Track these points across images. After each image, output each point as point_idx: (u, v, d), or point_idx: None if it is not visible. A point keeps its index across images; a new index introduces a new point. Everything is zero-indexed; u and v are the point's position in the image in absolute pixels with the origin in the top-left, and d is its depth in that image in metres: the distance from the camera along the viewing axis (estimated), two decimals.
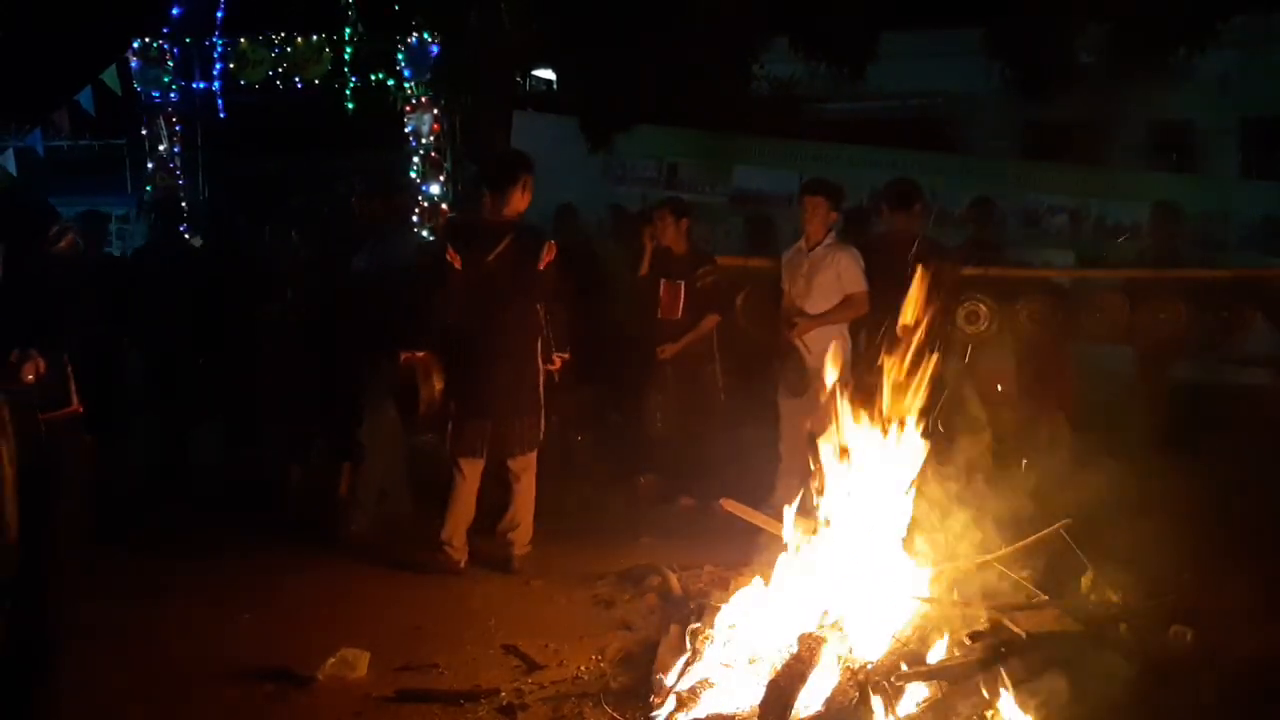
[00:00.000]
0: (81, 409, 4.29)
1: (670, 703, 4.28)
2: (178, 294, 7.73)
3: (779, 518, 5.31)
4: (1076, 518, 4.95)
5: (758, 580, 4.91)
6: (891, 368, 4.81)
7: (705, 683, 4.34)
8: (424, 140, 12.37)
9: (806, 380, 6.78)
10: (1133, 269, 8.44)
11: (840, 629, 4.23)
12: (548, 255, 6.16)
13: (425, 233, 11.63)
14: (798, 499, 4.87)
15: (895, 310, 6.63)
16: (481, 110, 11.97)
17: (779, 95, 11.93)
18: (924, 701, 4.03)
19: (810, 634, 4.13)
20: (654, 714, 4.28)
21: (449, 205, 12.18)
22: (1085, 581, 4.96)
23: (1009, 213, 10.20)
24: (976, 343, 7.46)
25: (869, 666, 4.11)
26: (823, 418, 5.47)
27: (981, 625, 4.38)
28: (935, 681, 4.09)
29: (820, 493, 4.91)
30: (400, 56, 12.35)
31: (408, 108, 12.44)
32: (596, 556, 6.41)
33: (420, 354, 6.14)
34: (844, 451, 4.80)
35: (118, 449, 7.27)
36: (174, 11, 12.88)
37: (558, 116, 11.55)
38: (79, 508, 4.30)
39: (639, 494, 7.76)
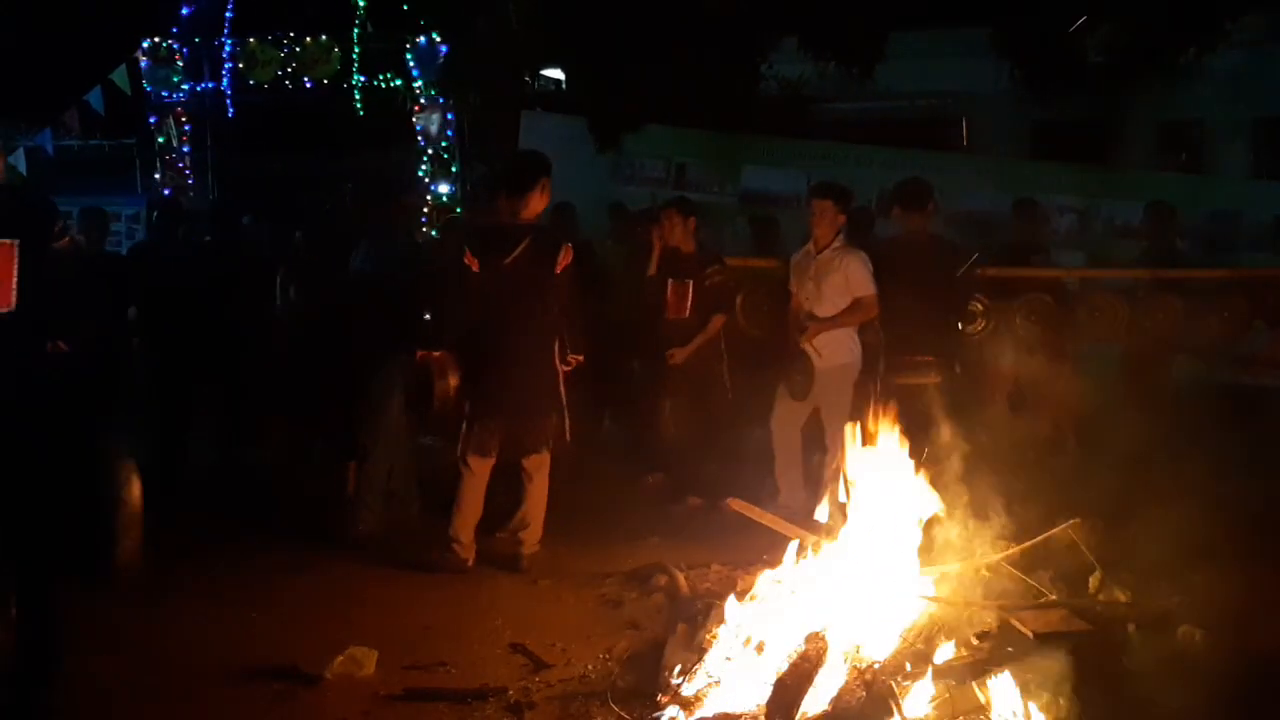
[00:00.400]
0: None
1: (677, 702, 4.28)
2: (177, 292, 7.72)
3: (785, 517, 5.34)
4: (1082, 518, 4.96)
5: (764, 579, 4.92)
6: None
7: (712, 682, 4.35)
8: (432, 140, 12.39)
9: (811, 384, 6.79)
10: (1131, 269, 8.47)
11: (847, 628, 4.24)
12: (564, 258, 6.17)
13: (433, 233, 11.66)
14: (803, 500, 4.91)
15: (911, 314, 6.69)
16: (490, 110, 11.99)
17: (787, 95, 11.92)
18: (931, 701, 4.03)
19: (817, 633, 4.14)
20: (661, 713, 4.28)
21: (457, 205, 12.20)
22: (1093, 582, 4.97)
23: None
24: (974, 342, 7.47)
25: (876, 666, 4.12)
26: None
27: (989, 625, 4.39)
28: (942, 681, 4.09)
29: (829, 494, 4.92)
30: (409, 56, 12.37)
31: (416, 107, 12.46)
32: (604, 556, 6.41)
33: (436, 353, 6.17)
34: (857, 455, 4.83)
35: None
36: (184, 11, 12.92)
37: (566, 116, 11.56)
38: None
39: (647, 493, 7.77)
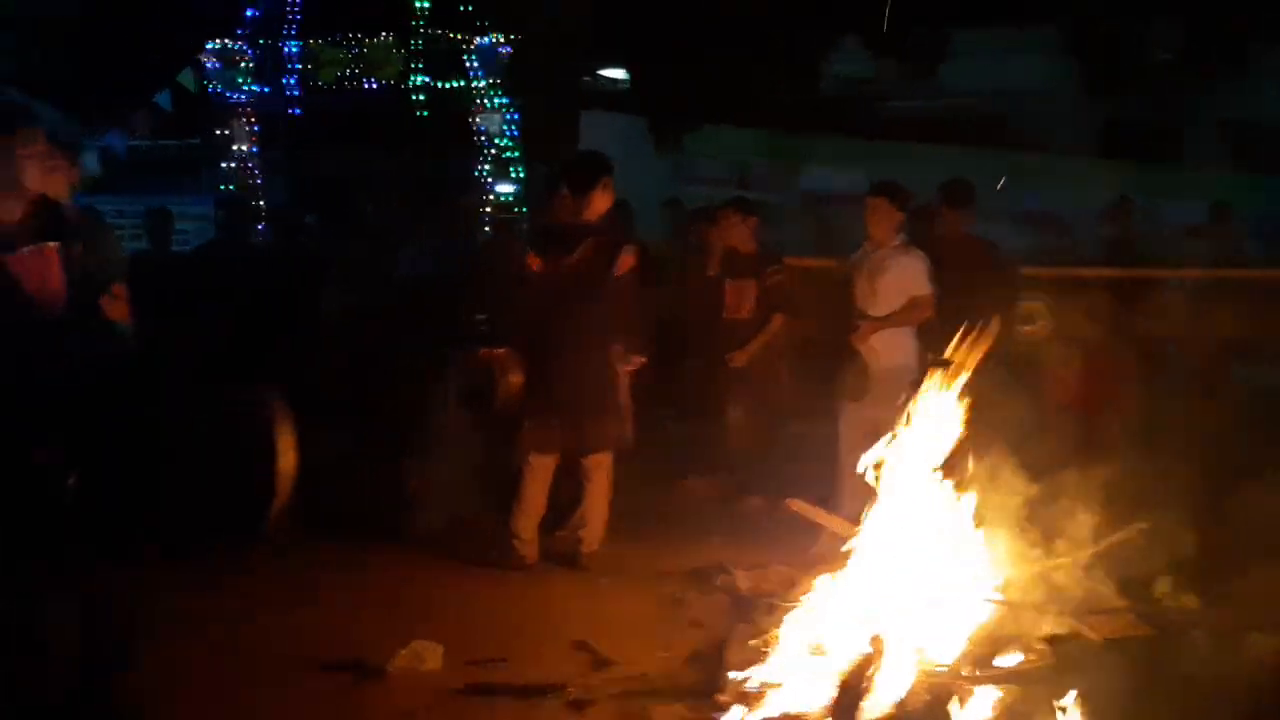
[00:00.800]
0: None
1: (739, 701, 4.28)
2: (237, 291, 7.79)
3: (845, 519, 5.32)
4: (1150, 522, 4.90)
5: (827, 579, 4.90)
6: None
7: (774, 682, 4.34)
8: (493, 140, 12.45)
9: (868, 383, 6.74)
10: (1193, 269, 8.35)
11: (911, 631, 4.22)
12: (626, 261, 6.19)
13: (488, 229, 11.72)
14: (868, 500, 4.88)
15: (958, 313, 6.62)
16: (551, 110, 12.04)
17: (849, 94, 11.88)
18: (996, 705, 4.01)
19: (880, 635, 4.12)
20: (722, 712, 4.28)
21: (519, 206, 12.26)
22: (1161, 587, 4.91)
23: (1083, 213, 10.07)
24: (1034, 344, 7.40)
25: (940, 669, 4.09)
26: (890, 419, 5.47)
27: (1055, 630, 4.35)
28: (1007, 686, 4.06)
29: (890, 494, 4.89)
30: (471, 57, 12.43)
31: (477, 108, 12.53)
32: (666, 555, 6.41)
33: (499, 349, 6.22)
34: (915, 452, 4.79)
35: None
36: (249, 13, 13.08)
37: (627, 116, 11.60)
38: None
39: (707, 493, 7.76)
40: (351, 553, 6.48)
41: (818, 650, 4.41)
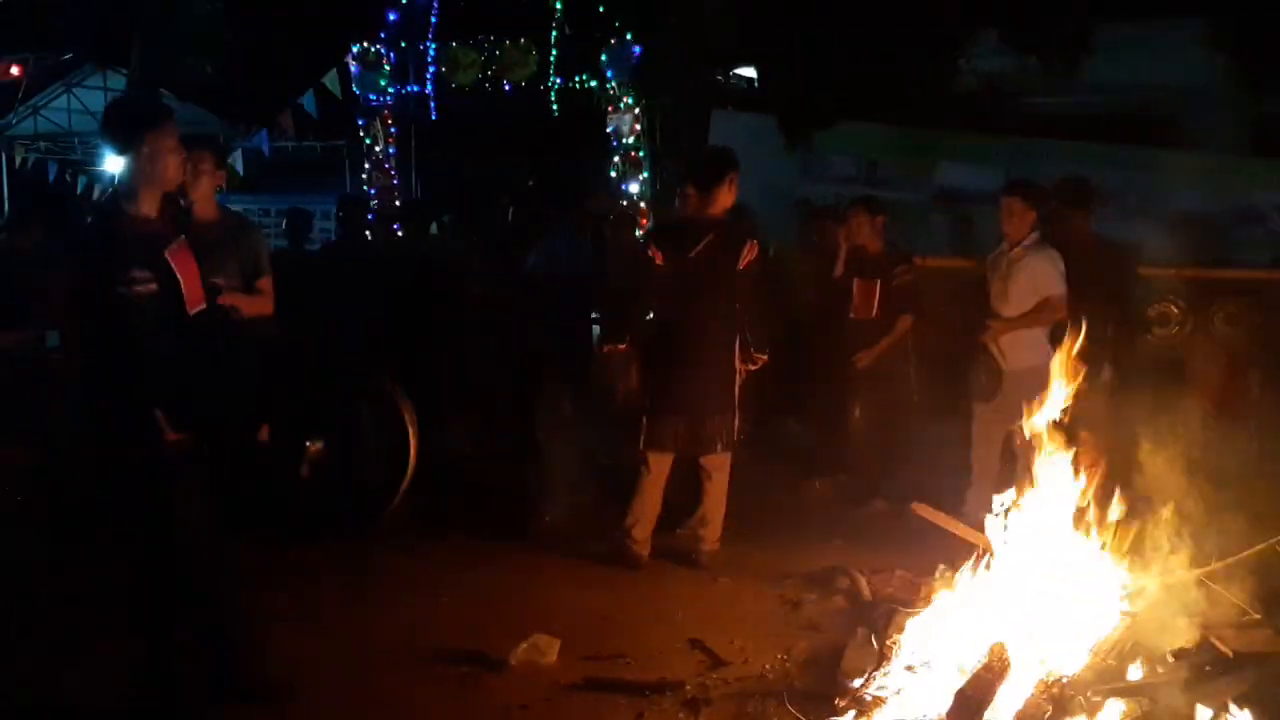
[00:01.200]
0: None
1: (855, 707, 4.24)
2: (365, 290, 7.88)
3: (972, 525, 5.20)
4: None
5: (949, 586, 4.81)
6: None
7: (892, 688, 4.28)
8: (624, 140, 12.51)
9: (998, 384, 6.59)
10: None
11: (1034, 640, 4.12)
12: (749, 254, 6.15)
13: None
14: (996, 506, 4.78)
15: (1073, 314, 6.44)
16: (681, 109, 12.05)
17: (986, 90, 11.61)
18: (1122, 718, 3.88)
19: (1000, 644, 4.03)
20: (839, 717, 4.24)
21: (649, 204, 12.30)
22: None
23: (1231, 211, 9.71)
24: (1168, 346, 7.16)
25: (1064, 680, 3.98)
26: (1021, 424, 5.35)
27: (1186, 643, 4.19)
28: (1135, 699, 3.93)
29: (1018, 501, 4.78)
30: (603, 58, 12.52)
31: (609, 108, 12.60)
32: (786, 556, 6.38)
33: (622, 346, 6.25)
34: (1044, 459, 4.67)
35: None
36: (390, 17, 13.38)
37: (756, 115, 11.53)
38: None
39: (831, 495, 7.69)
40: (475, 545, 6.61)
41: (937, 658, 4.33)
